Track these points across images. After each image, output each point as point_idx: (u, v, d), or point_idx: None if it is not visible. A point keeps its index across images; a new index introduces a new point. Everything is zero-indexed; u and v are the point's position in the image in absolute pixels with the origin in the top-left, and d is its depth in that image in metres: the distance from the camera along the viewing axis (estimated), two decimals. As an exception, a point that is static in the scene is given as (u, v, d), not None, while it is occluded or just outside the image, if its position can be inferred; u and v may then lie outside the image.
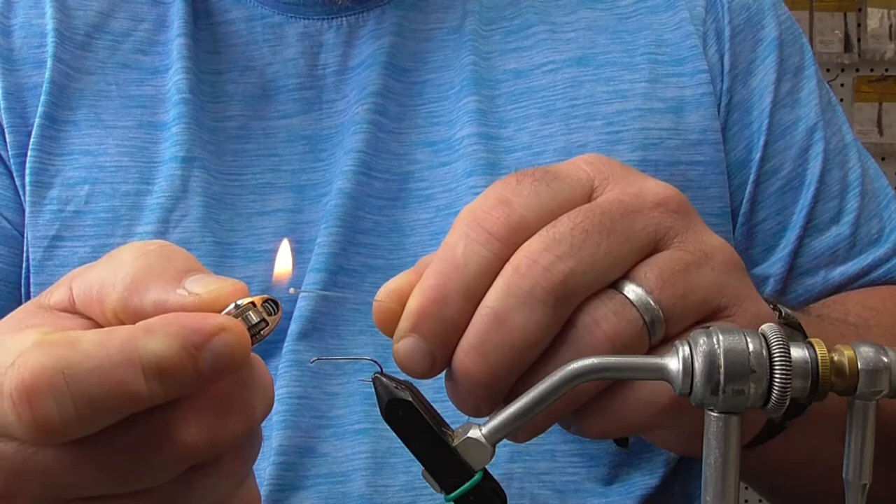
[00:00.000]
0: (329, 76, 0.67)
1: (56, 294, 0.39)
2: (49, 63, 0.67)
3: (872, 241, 0.70)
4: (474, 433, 0.40)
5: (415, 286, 0.39)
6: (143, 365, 0.33)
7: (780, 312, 0.48)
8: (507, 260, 0.38)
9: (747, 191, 0.69)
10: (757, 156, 0.69)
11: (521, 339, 0.38)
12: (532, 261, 0.38)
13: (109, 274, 0.37)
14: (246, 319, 0.36)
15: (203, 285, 0.36)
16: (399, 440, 0.41)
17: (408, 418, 0.41)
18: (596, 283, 0.39)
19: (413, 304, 0.39)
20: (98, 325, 0.38)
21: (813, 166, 0.70)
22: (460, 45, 0.68)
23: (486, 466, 0.40)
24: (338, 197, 0.64)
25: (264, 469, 0.61)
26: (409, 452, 0.41)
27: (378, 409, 0.41)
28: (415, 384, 0.42)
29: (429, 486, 0.41)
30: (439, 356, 0.40)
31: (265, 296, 0.37)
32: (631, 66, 0.67)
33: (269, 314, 0.37)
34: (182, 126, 0.65)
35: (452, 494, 0.40)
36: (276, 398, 0.62)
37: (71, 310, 0.38)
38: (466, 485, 0.40)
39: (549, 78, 0.67)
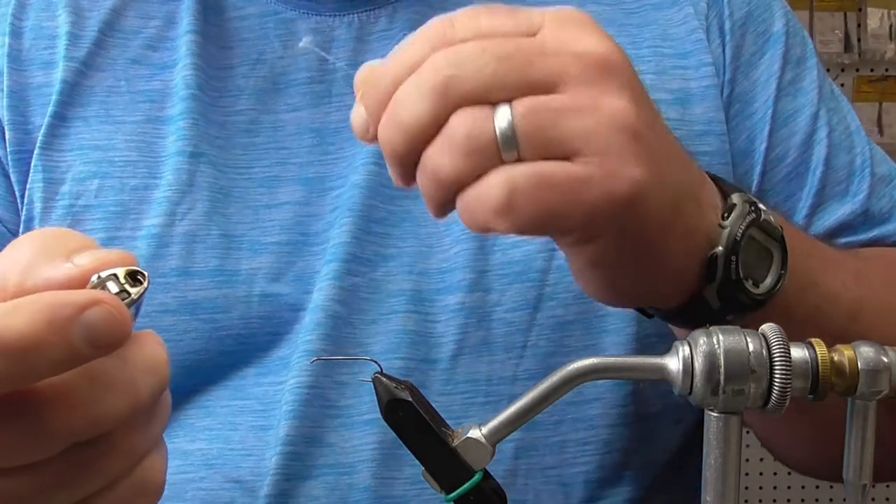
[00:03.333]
0: (339, 70, 0.68)
1: None
2: (60, 64, 0.68)
3: (883, 219, 0.71)
4: (474, 433, 0.40)
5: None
6: (4, 344, 0.32)
7: (757, 214, 0.50)
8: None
9: (755, 181, 0.69)
10: (761, 146, 0.69)
11: (407, 121, 0.45)
12: (430, 64, 0.45)
13: (9, 262, 0.38)
14: (105, 290, 0.36)
15: (89, 257, 0.37)
16: None
17: (408, 418, 0.41)
18: (475, 96, 0.44)
19: (362, 77, 0.47)
20: None
21: (818, 151, 0.70)
22: None
23: (490, 463, 0.40)
24: (351, 188, 0.65)
25: (270, 458, 0.62)
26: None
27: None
28: (415, 385, 0.42)
29: None
30: (371, 123, 0.47)
31: (131, 268, 0.36)
32: (637, 58, 0.68)
33: (133, 286, 0.36)
34: (189, 121, 0.66)
35: (452, 494, 0.40)
36: (285, 388, 0.62)
37: None
38: (466, 485, 0.40)
39: None
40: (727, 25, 0.70)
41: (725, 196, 0.50)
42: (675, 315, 0.51)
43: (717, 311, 0.49)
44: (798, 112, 0.71)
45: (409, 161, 0.46)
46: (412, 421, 0.41)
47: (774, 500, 2.36)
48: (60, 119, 0.68)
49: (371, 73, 0.47)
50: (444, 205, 0.46)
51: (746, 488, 2.32)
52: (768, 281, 0.50)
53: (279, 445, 0.62)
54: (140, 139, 0.67)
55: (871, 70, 2.35)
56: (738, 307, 0.49)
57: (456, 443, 0.40)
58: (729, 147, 0.68)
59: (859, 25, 2.33)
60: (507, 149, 0.43)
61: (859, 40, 2.33)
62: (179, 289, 0.64)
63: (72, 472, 0.36)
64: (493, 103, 0.44)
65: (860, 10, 2.33)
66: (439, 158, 0.44)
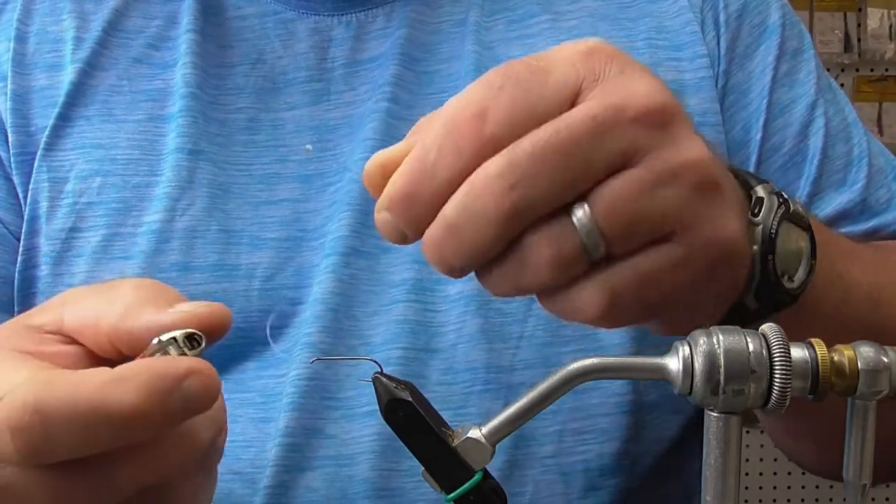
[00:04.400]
0: (337, 69, 0.69)
1: (44, 316, 0.42)
2: (68, 67, 0.69)
3: (881, 209, 0.71)
4: (474, 433, 0.40)
5: (400, 161, 0.43)
6: (108, 415, 0.35)
7: (786, 206, 0.48)
8: (473, 170, 0.41)
9: (751, 171, 0.69)
10: (757, 136, 0.69)
11: (470, 248, 0.41)
12: (486, 185, 0.40)
13: (105, 302, 0.41)
14: (166, 354, 0.38)
15: (191, 306, 0.40)
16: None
17: (408, 418, 0.41)
18: (546, 208, 0.41)
19: (389, 189, 0.42)
20: (88, 350, 0.42)
21: (815, 141, 0.70)
22: (465, 36, 0.69)
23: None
24: (350, 183, 0.65)
25: (270, 450, 0.62)
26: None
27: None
28: (415, 384, 0.42)
29: None
30: (410, 234, 0.43)
31: (189, 330, 0.39)
32: (632, 50, 0.68)
33: (191, 348, 0.39)
34: (188, 119, 0.67)
35: (452, 494, 0.40)
36: (286, 381, 0.63)
37: (58, 332, 0.42)
38: (466, 485, 0.40)
39: None
40: (722, 17, 0.70)
41: (747, 188, 0.48)
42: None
43: (753, 313, 0.48)
44: (794, 102, 0.71)
45: (464, 274, 0.43)
46: (412, 421, 0.41)
47: (774, 501, 2.36)
48: (64, 120, 0.69)
49: (398, 181, 0.42)
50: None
51: (746, 488, 2.32)
52: (801, 273, 0.49)
53: (279, 437, 0.62)
54: (142, 137, 0.68)
55: (871, 70, 2.35)
56: (774, 306, 0.48)
57: (456, 443, 0.40)
58: (724, 138, 0.69)
59: (859, 25, 2.34)
60: (594, 251, 0.41)
61: (859, 40, 2.33)
62: (180, 284, 0.64)
63: None
64: (568, 204, 0.40)
65: (860, 10, 2.33)
66: (518, 275, 0.41)
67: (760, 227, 0.47)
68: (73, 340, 0.42)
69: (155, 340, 0.39)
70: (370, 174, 0.43)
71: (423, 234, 0.42)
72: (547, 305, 0.43)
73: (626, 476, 0.64)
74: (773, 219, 0.47)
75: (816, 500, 2.35)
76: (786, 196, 0.48)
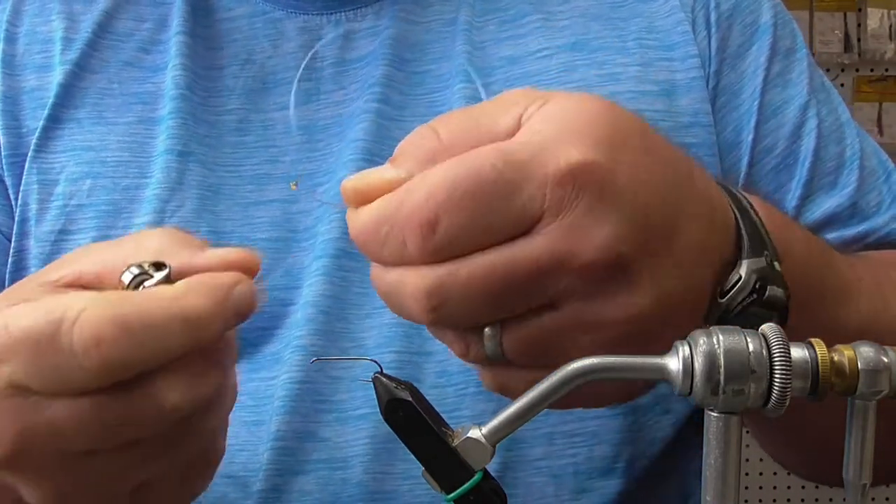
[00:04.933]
0: (326, 68, 0.69)
1: (59, 271, 0.43)
2: (57, 68, 0.70)
3: (871, 213, 0.71)
4: (474, 433, 0.40)
5: (380, 190, 0.43)
6: (183, 318, 0.39)
7: (761, 293, 0.45)
8: (411, 266, 0.42)
9: (742, 172, 0.69)
10: (748, 137, 0.69)
11: (406, 314, 0.43)
12: (413, 294, 0.42)
13: (131, 249, 0.43)
14: (129, 272, 0.41)
15: (222, 251, 0.43)
16: None
17: (408, 418, 0.41)
18: (463, 325, 0.43)
19: (352, 232, 0.44)
20: None
21: (807, 142, 0.70)
22: (455, 35, 0.69)
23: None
24: (339, 184, 0.65)
25: (262, 454, 0.62)
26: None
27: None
28: (414, 384, 0.42)
29: None
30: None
31: (154, 260, 0.42)
32: (623, 50, 0.68)
33: (157, 270, 0.41)
34: (178, 121, 0.67)
35: (452, 494, 0.40)
36: (277, 384, 0.63)
37: (73, 284, 0.43)
38: (466, 485, 0.40)
39: (542, 63, 0.68)
40: (713, 17, 0.70)
41: (733, 254, 0.46)
42: None
43: None
44: (786, 103, 0.71)
45: None
46: (412, 421, 0.41)
47: (774, 500, 2.36)
48: (54, 121, 0.69)
49: (356, 237, 0.43)
50: None
51: (746, 488, 2.32)
52: None
53: (271, 440, 0.62)
54: (132, 140, 0.68)
55: (871, 70, 2.35)
56: None
57: (456, 443, 0.40)
58: (716, 139, 0.68)
59: (859, 25, 2.33)
60: (495, 360, 0.43)
61: (859, 40, 2.33)
62: None
63: (167, 445, 0.41)
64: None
65: (860, 10, 2.33)
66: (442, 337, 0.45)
67: (723, 304, 0.45)
68: (90, 288, 0.42)
69: (125, 267, 0.41)
70: (346, 196, 0.44)
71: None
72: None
73: (619, 479, 0.64)
74: (738, 303, 0.45)
75: (816, 499, 2.35)
76: (770, 276, 0.46)
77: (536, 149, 0.40)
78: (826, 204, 0.70)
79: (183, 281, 0.40)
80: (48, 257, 0.66)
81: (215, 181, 0.67)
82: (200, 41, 0.70)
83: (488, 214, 0.40)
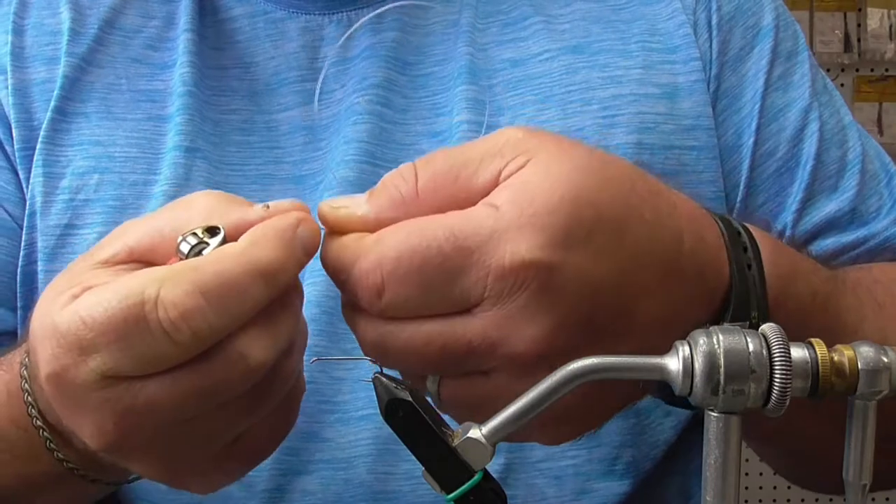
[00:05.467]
0: (329, 68, 0.68)
1: (109, 249, 0.43)
2: (63, 60, 0.69)
3: (870, 218, 0.71)
4: (474, 433, 0.40)
5: (351, 225, 0.44)
6: (259, 271, 0.40)
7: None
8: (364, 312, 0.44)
9: (743, 176, 0.69)
10: (749, 140, 0.69)
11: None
12: (360, 344, 0.45)
13: (180, 214, 0.43)
14: (186, 243, 0.42)
15: (273, 204, 0.43)
16: None
17: (408, 418, 0.41)
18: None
19: (321, 258, 0.44)
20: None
21: (808, 146, 0.70)
22: (457, 37, 0.69)
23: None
24: (340, 185, 0.65)
25: None
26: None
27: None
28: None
29: None
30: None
31: (208, 224, 0.42)
32: (625, 53, 0.68)
33: (211, 236, 0.42)
34: (185, 117, 0.67)
35: (452, 494, 0.40)
36: None
37: (127, 260, 0.43)
38: (466, 485, 0.40)
39: (545, 66, 0.68)
40: (714, 20, 0.70)
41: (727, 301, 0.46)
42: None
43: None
44: (788, 107, 0.70)
45: None
46: (412, 421, 0.41)
47: (774, 500, 2.36)
48: (61, 114, 0.68)
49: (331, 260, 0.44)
50: None
51: (746, 488, 2.32)
52: None
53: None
54: (140, 136, 0.68)
55: (871, 70, 2.35)
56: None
57: (456, 443, 0.40)
58: (717, 142, 0.68)
59: (859, 25, 2.33)
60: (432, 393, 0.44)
61: (859, 40, 2.33)
62: None
63: (257, 398, 0.42)
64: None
65: (860, 10, 2.33)
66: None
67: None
68: (144, 264, 0.43)
69: (179, 237, 0.41)
70: (321, 218, 0.45)
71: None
72: None
73: (620, 480, 0.64)
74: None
75: (816, 499, 2.35)
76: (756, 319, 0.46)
77: (487, 236, 0.41)
78: (826, 208, 0.70)
79: (246, 234, 0.41)
80: (52, 252, 0.66)
81: (221, 179, 0.67)
82: (206, 40, 0.70)
83: (431, 291, 0.41)
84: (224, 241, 0.41)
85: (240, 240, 0.41)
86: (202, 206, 0.43)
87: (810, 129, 0.70)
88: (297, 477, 0.62)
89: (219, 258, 0.40)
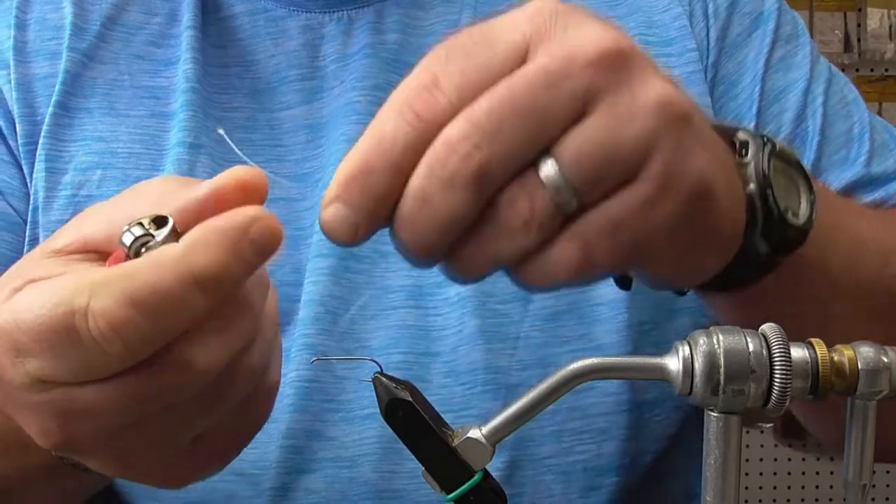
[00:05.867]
0: (329, 65, 0.69)
1: (63, 238, 0.41)
2: (64, 55, 0.69)
3: (888, 179, 0.70)
4: (474, 433, 0.40)
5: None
6: (196, 279, 0.36)
7: (772, 144, 0.47)
8: (432, 139, 0.40)
9: None
10: (751, 125, 0.69)
11: (444, 217, 0.39)
12: (451, 148, 0.39)
13: (135, 203, 0.40)
14: (130, 234, 0.38)
15: (218, 177, 0.39)
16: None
17: (408, 418, 0.41)
18: (514, 166, 0.39)
19: (340, 172, 0.40)
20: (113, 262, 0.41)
21: (812, 123, 0.70)
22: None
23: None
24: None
25: (272, 452, 0.62)
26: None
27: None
28: (418, 382, 0.42)
29: None
30: (362, 226, 0.40)
31: (155, 214, 0.39)
32: None
33: (157, 229, 0.38)
34: (189, 113, 0.67)
35: (452, 494, 0.40)
36: (285, 382, 0.63)
37: (82, 250, 0.41)
38: (466, 485, 0.40)
39: None
40: (710, 8, 0.70)
41: (729, 135, 0.47)
42: (721, 284, 0.48)
43: (765, 258, 0.46)
44: (789, 87, 0.70)
45: (440, 252, 0.41)
46: (412, 421, 0.41)
47: (774, 501, 2.36)
48: (64, 109, 0.69)
49: (349, 162, 0.40)
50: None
51: (746, 488, 2.32)
52: (804, 207, 0.48)
53: (280, 439, 0.62)
54: (144, 132, 0.68)
55: (871, 70, 2.35)
56: (784, 246, 0.47)
57: (456, 443, 0.40)
58: None
59: (859, 25, 2.33)
60: (567, 205, 0.39)
61: (859, 40, 2.33)
62: None
63: (210, 399, 0.40)
64: (534, 161, 0.39)
65: (860, 10, 2.33)
66: (494, 245, 0.40)
67: (751, 165, 0.46)
68: (98, 255, 0.41)
69: (123, 227, 0.38)
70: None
71: (374, 224, 0.40)
72: (522, 278, 0.41)
73: (625, 475, 0.64)
74: (763, 156, 0.46)
75: (816, 500, 2.35)
76: (769, 136, 0.47)
77: (499, 17, 0.42)
78: (839, 178, 0.69)
79: (189, 234, 0.37)
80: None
81: None
82: (208, 38, 0.70)
83: (479, 60, 0.40)
84: (173, 231, 0.38)
85: (181, 240, 0.37)
86: (155, 192, 0.41)
87: (813, 107, 0.70)
88: (302, 475, 0.62)
89: (154, 264, 0.37)
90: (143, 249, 0.38)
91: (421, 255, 0.40)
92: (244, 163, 0.41)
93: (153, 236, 0.38)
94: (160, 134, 0.68)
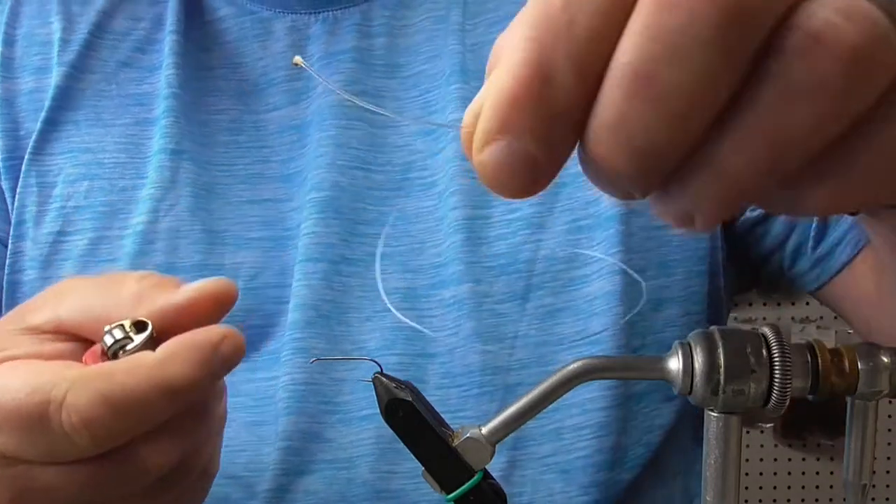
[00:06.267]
0: (313, 65, 0.69)
1: (40, 315, 0.44)
2: (54, 70, 0.70)
3: None
4: (474, 433, 0.40)
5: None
6: (169, 389, 0.40)
7: None
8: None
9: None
10: None
11: (680, 103, 0.25)
12: None
13: (111, 296, 0.43)
14: (111, 335, 0.42)
15: (198, 284, 0.43)
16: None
17: (408, 418, 0.41)
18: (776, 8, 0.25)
19: (497, 92, 0.27)
20: (84, 344, 0.44)
21: None
22: (447, 34, 0.69)
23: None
24: (332, 190, 0.65)
25: (269, 454, 0.62)
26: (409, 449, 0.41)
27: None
28: (414, 384, 0.42)
29: None
30: (545, 160, 0.27)
31: (136, 318, 0.42)
32: None
33: (137, 332, 0.42)
34: (171, 119, 0.67)
35: (452, 494, 0.40)
36: (277, 385, 0.63)
37: (57, 331, 0.44)
38: (466, 485, 0.40)
39: None
40: None
41: None
42: None
43: None
44: None
45: (672, 163, 0.27)
46: (412, 421, 0.41)
47: (774, 501, 2.36)
48: (52, 124, 0.69)
49: (509, 72, 0.26)
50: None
51: (746, 488, 2.32)
52: None
53: (278, 441, 0.62)
54: (129, 141, 0.69)
55: (871, 70, 2.35)
56: None
57: (456, 443, 0.40)
58: None
59: None
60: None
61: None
62: None
63: (156, 490, 0.43)
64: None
65: (860, 10, 2.33)
66: (784, 129, 0.25)
67: None
68: (70, 336, 0.44)
69: (105, 328, 0.42)
70: (468, 135, 0.29)
71: (564, 152, 0.27)
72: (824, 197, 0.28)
73: (626, 468, 0.64)
74: None
75: (816, 500, 2.35)
76: None
77: None
78: None
79: (165, 346, 0.41)
80: (46, 259, 0.67)
81: (208, 180, 0.67)
82: (192, 41, 0.71)
83: None
84: (150, 338, 0.41)
85: (157, 350, 0.41)
86: (133, 290, 0.43)
87: None
88: (300, 477, 0.62)
89: (132, 369, 0.40)
90: (120, 352, 0.41)
91: (639, 178, 0.27)
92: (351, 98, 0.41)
93: (132, 339, 0.41)
94: (144, 142, 0.68)
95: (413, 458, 0.41)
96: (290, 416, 0.62)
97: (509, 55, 0.27)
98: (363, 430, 0.62)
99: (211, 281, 0.43)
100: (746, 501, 2.30)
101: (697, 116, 0.25)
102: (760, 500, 2.36)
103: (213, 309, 0.42)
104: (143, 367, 0.40)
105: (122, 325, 0.42)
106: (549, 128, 0.26)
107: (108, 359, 0.42)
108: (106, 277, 0.45)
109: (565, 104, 0.26)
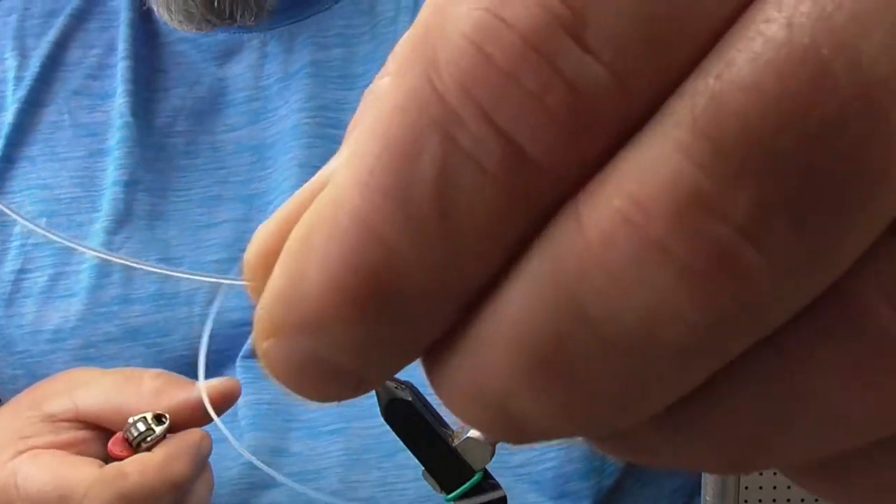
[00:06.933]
0: (273, 85, 0.69)
1: (56, 404, 0.51)
2: (9, 108, 0.70)
3: None
4: (474, 433, 0.40)
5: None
6: (173, 483, 0.50)
7: None
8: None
9: None
10: None
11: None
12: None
13: (131, 391, 0.53)
14: (136, 428, 0.52)
15: (209, 384, 0.53)
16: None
17: (408, 418, 0.41)
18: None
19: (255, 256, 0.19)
20: (97, 433, 0.53)
21: None
22: (397, 38, 0.69)
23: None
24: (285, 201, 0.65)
25: (231, 469, 0.62)
26: (405, 451, 0.41)
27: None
28: (415, 383, 0.42)
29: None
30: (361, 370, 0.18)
31: (156, 412, 0.52)
32: None
33: (157, 424, 0.52)
34: (124, 150, 0.67)
35: (453, 494, 0.40)
36: (243, 404, 0.63)
37: (73, 419, 0.51)
38: (467, 484, 0.40)
39: None
40: None
41: None
42: None
43: None
44: None
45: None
46: (412, 421, 0.41)
47: (774, 501, 2.36)
48: (9, 161, 0.69)
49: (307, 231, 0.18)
50: None
51: (746, 488, 2.32)
52: None
53: (241, 457, 0.62)
54: (84, 174, 0.69)
55: (871, 70, 2.35)
56: None
57: (456, 443, 0.40)
58: None
59: None
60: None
61: (859, 40, 2.34)
62: (121, 316, 0.65)
63: None
64: None
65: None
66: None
67: None
68: (86, 425, 0.51)
69: (130, 420, 0.52)
70: (251, 266, 0.19)
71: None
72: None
73: (597, 479, 0.64)
74: None
75: (816, 500, 2.35)
76: None
77: None
78: None
79: (164, 448, 0.52)
80: (9, 297, 0.67)
81: (164, 208, 0.67)
82: (146, 63, 0.70)
83: None
84: (168, 429, 0.52)
85: (159, 452, 0.51)
86: (151, 387, 0.53)
87: None
88: (265, 490, 0.63)
89: (143, 468, 0.49)
90: (143, 442, 0.51)
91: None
92: None
93: (154, 431, 0.51)
94: (97, 174, 0.69)
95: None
96: (256, 433, 0.63)
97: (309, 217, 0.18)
98: (331, 444, 0.62)
99: (219, 381, 0.52)
100: (746, 502, 2.30)
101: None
102: (760, 501, 2.36)
103: (220, 404, 0.51)
104: (152, 466, 0.49)
105: (144, 419, 0.51)
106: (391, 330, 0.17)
107: (132, 447, 0.51)
108: (120, 373, 0.53)
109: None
